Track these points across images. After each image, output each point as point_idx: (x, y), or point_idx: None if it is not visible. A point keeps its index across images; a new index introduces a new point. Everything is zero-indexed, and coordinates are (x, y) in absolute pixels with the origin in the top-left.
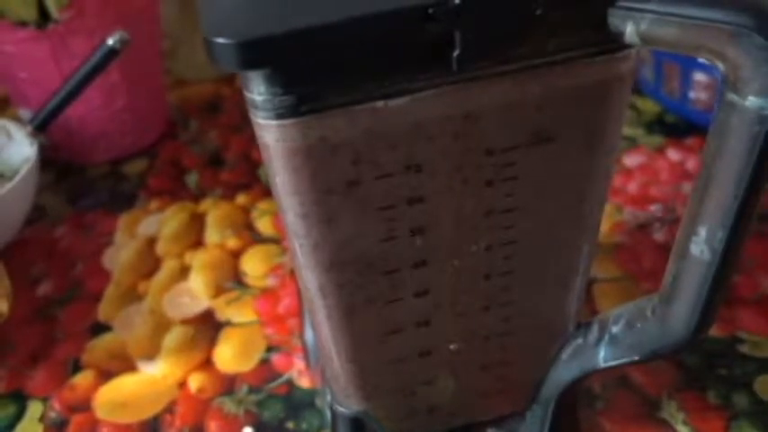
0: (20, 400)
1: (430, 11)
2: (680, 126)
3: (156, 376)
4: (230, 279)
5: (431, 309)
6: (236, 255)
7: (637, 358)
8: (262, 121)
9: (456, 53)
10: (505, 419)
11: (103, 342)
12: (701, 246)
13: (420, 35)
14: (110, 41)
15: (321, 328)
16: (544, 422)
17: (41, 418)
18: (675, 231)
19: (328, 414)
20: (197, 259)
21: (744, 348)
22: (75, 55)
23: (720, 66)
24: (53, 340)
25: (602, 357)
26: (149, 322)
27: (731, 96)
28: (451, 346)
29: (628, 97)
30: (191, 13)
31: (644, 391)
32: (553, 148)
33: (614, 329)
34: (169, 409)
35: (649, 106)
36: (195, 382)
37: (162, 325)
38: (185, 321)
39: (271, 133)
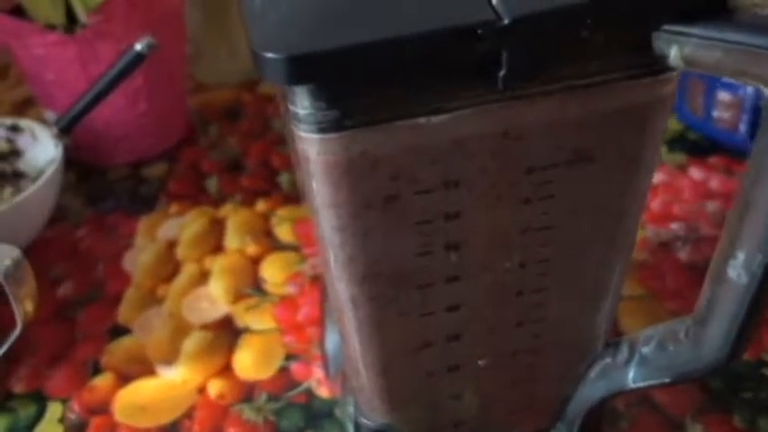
0: (40, 400)
1: (479, 31)
2: (702, 144)
3: (175, 381)
4: (249, 285)
5: (462, 323)
6: (255, 261)
7: (667, 380)
8: (304, 135)
9: (502, 73)
10: None
11: (123, 345)
12: (739, 270)
13: (467, 54)
14: (137, 47)
15: (350, 340)
16: None
17: (61, 420)
18: (699, 250)
19: (349, 425)
20: (216, 264)
21: None
22: (101, 59)
23: (765, 90)
24: (73, 341)
25: (632, 378)
26: (169, 326)
27: None
28: (480, 362)
29: (668, 119)
30: (215, 18)
31: (668, 411)
32: (591, 167)
33: (645, 350)
34: (188, 414)
35: (672, 123)
36: (214, 388)
37: (181, 329)
38: (204, 327)
39: (312, 146)
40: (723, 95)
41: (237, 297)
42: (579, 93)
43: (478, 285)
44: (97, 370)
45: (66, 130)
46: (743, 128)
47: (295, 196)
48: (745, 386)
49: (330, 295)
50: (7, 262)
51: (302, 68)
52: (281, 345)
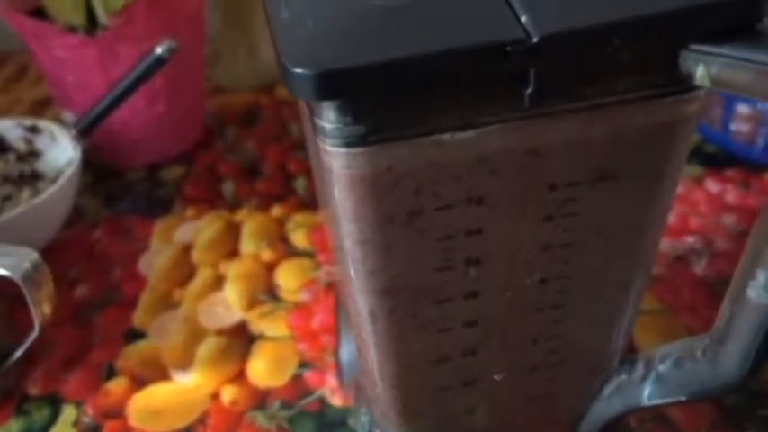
0: (54, 403)
1: (508, 48)
2: (719, 157)
3: (189, 386)
4: (264, 291)
5: (479, 339)
6: (270, 267)
7: (683, 398)
8: (330, 149)
9: (529, 90)
10: None
11: (138, 349)
12: (759, 291)
13: (495, 71)
14: (158, 50)
15: (368, 352)
16: None
17: (75, 423)
18: (715, 265)
19: None
20: (232, 269)
21: None
22: (121, 61)
23: None
24: (89, 344)
25: (647, 395)
26: (184, 331)
27: None
28: (496, 377)
29: (692, 138)
30: (233, 21)
31: (682, 429)
32: (615, 185)
33: (661, 368)
34: (201, 420)
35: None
36: (228, 394)
37: (196, 334)
38: (219, 332)
39: (337, 160)
40: (742, 108)
41: (252, 303)
42: (605, 111)
43: (498, 301)
44: (112, 374)
45: (85, 132)
46: (761, 141)
47: (311, 202)
48: (760, 403)
49: (349, 307)
50: (26, 265)
51: (331, 84)
52: (294, 352)
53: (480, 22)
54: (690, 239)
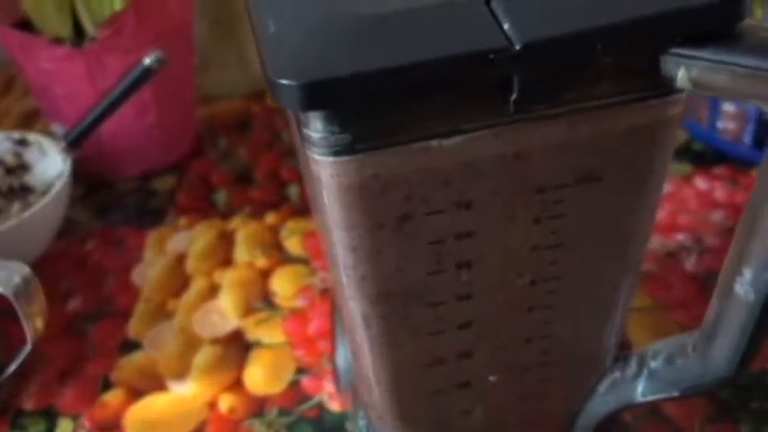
0: (50, 417)
1: (491, 56)
2: (707, 155)
3: (186, 396)
4: (259, 299)
5: (473, 340)
6: (265, 274)
7: (676, 394)
8: (317, 157)
9: (513, 96)
10: None
11: (133, 360)
12: (746, 287)
13: (479, 79)
14: (146, 61)
15: (362, 357)
16: None
17: None
18: (704, 261)
19: None
20: (226, 278)
21: None
22: (110, 72)
23: None
24: (83, 357)
25: (640, 392)
26: (179, 340)
27: None
28: (491, 378)
29: (675, 139)
30: (222, 29)
31: (676, 422)
32: (601, 187)
33: (653, 364)
34: (199, 429)
35: (677, 133)
36: (226, 402)
37: (192, 343)
38: (215, 341)
39: (326, 169)
40: (727, 107)
41: (247, 311)
42: (589, 114)
43: (489, 303)
44: (108, 385)
45: (74, 144)
46: (747, 139)
47: (304, 209)
48: (752, 396)
49: (342, 313)
50: (17, 279)
51: (316, 94)
52: (291, 358)
53: (463, 31)
54: (680, 236)
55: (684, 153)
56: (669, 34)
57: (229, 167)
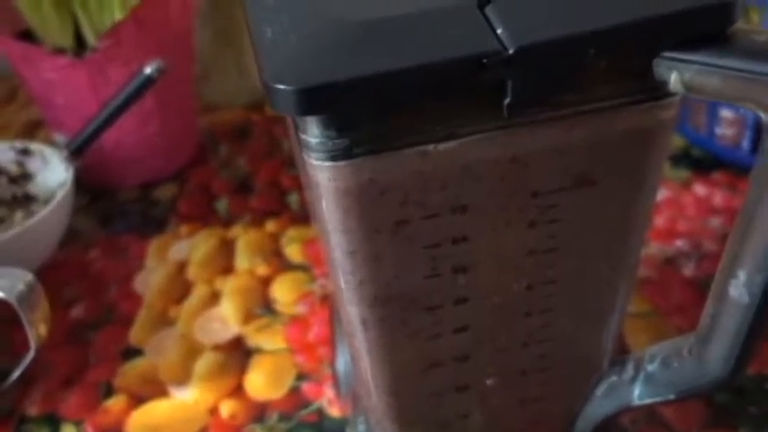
0: (53, 423)
1: (484, 61)
2: (705, 161)
3: (187, 402)
4: (260, 306)
5: (470, 344)
6: (265, 281)
7: (672, 397)
8: (315, 162)
9: (507, 101)
10: None
11: (136, 366)
12: (740, 289)
13: (473, 83)
14: (147, 70)
15: (361, 361)
16: None
17: None
18: (703, 267)
19: None
20: (227, 285)
21: None
22: (111, 82)
23: (764, 116)
24: (86, 364)
25: (637, 395)
26: (181, 347)
27: None
28: (489, 381)
29: (670, 142)
30: (223, 38)
31: (673, 427)
32: (596, 190)
33: (650, 368)
34: None
35: (676, 140)
36: (227, 408)
37: (193, 350)
38: (216, 347)
39: (323, 173)
40: (725, 113)
41: (248, 317)
42: (582, 118)
43: (486, 307)
44: (110, 392)
45: (76, 153)
46: (746, 144)
47: (304, 216)
48: (750, 400)
49: (341, 317)
50: (21, 286)
51: (313, 100)
52: (292, 364)
53: (457, 35)
54: (678, 242)
55: (683, 159)
56: (661, 38)
57: (230, 176)
